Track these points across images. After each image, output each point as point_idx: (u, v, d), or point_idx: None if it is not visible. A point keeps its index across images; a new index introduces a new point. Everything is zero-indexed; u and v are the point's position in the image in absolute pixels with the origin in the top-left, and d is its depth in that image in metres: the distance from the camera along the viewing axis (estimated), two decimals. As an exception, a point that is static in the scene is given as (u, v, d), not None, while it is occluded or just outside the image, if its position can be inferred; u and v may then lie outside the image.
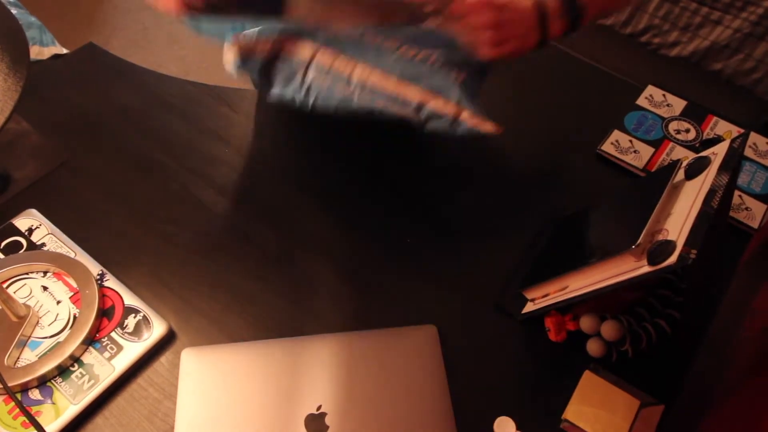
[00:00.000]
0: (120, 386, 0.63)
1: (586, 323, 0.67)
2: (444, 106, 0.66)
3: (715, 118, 0.96)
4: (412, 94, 0.65)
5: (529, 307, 0.70)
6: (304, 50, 0.64)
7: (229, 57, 0.62)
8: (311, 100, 0.66)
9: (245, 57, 0.63)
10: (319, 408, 0.60)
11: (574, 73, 1.05)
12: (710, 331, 0.74)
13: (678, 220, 0.58)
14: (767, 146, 0.93)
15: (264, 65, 0.64)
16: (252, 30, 0.62)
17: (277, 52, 0.64)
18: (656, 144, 0.91)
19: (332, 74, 0.65)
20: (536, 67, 1.01)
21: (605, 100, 0.99)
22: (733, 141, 0.64)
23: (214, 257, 0.74)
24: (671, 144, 0.91)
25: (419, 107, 0.66)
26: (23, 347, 0.64)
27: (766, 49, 1.51)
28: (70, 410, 0.60)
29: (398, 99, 0.65)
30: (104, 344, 0.64)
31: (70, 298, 0.67)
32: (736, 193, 0.86)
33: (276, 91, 0.66)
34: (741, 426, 0.59)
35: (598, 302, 0.69)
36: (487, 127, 0.66)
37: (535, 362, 0.69)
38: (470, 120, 0.66)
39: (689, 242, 0.53)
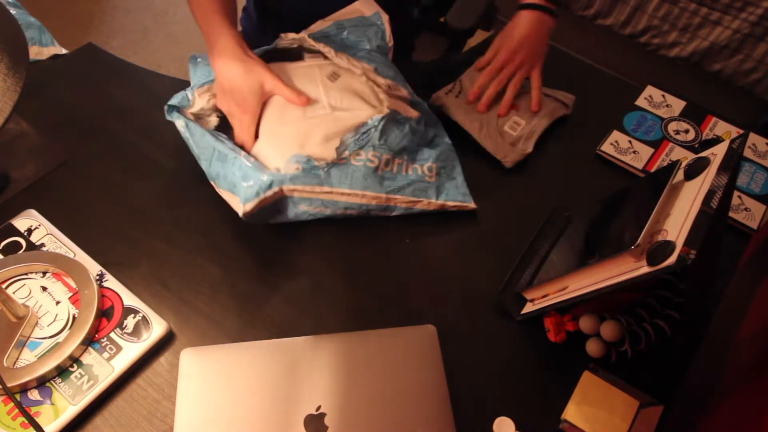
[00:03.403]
0: (119, 387, 0.63)
1: (585, 324, 0.67)
2: (428, 205, 0.78)
3: (714, 119, 0.96)
4: (400, 201, 0.77)
5: (528, 308, 0.70)
6: (302, 191, 0.72)
7: (239, 211, 0.71)
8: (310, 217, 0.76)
9: (253, 212, 0.71)
10: (318, 408, 0.60)
11: (573, 73, 1.05)
12: (710, 331, 0.74)
13: (677, 220, 0.58)
14: (766, 147, 0.93)
15: (268, 208, 0.73)
16: (252, 191, 0.70)
17: (278, 196, 0.72)
18: (655, 144, 0.91)
19: (332, 204, 0.75)
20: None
21: (605, 100, 0.99)
22: (732, 141, 0.64)
23: (214, 257, 0.74)
24: (670, 144, 0.92)
25: (408, 209, 0.78)
26: (22, 348, 0.63)
27: (766, 49, 1.51)
28: (70, 411, 0.60)
29: (389, 207, 0.77)
30: (103, 345, 0.64)
31: (69, 298, 0.67)
32: (736, 193, 0.86)
33: (278, 220, 0.76)
34: (741, 426, 0.59)
35: (597, 303, 0.69)
36: (469, 206, 0.80)
37: (535, 362, 0.69)
38: (452, 206, 0.79)
39: (688, 243, 0.53)
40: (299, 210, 0.74)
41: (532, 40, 0.89)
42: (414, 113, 0.80)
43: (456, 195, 0.79)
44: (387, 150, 0.76)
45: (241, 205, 0.70)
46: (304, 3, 0.92)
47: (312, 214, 0.75)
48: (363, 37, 0.86)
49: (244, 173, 0.71)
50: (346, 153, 0.74)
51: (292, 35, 0.84)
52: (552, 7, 0.90)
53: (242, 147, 0.76)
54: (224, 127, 0.79)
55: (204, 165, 0.77)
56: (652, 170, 0.88)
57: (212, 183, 0.77)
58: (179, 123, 0.78)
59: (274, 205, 0.73)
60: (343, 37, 0.86)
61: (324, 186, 0.72)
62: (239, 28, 1.16)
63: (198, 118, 0.80)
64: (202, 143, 0.76)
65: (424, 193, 0.77)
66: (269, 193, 0.70)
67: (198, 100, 0.80)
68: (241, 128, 0.76)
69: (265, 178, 0.70)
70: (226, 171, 0.73)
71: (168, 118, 0.79)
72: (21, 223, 0.73)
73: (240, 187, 0.71)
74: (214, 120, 0.80)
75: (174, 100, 0.79)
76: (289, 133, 0.75)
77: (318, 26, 0.89)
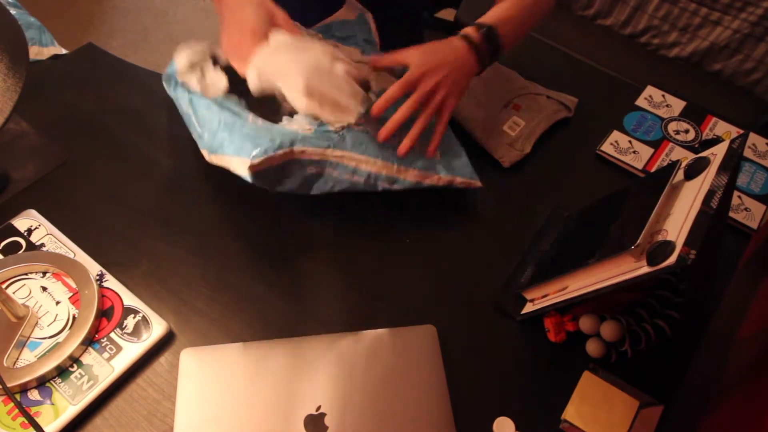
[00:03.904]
0: (119, 387, 0.63)
1: (585, 324, 0.67)
2: (438, 180, 0.77)
3: (714, 119, 0.96)
4: (410, 175, 0.75)
5: (528, 308, 0.70)
6: (313, 153, 0.70)
7: (242, 172, 0.68)
8: (322, 188, 0.73)
9: (258, 172, 0.68)
10: (318, 408, 0.60)
11: (574, 73, 1.05)
12: (710, 331, 0.74)
13: (677, 220, 0.58)
14: (766, 147, 0.93)
15: (275, 170, 0.70)
16: (261, 149, 0.67)
17: (287, 158, 0.69)
18: (655, 144, 0.91)
19: (341, 166, 0.72)
20: (535, 68, 1.01)
21: (605, 100, 0.99)
22: (732, 141, 0.64)
23: (214, 257, 0.74)
24: (670, 144, 0.92)
25: (417, 184, 0.76)
26: (22, 348, 0.63)
27: (766, 49, 1.51)
28: (70, 411, 0.60)
29: (398, 180, 0.75)
30: (103, 345, 0.64)
31: (69, 298, 0.67)
32: (736, 193, 0.86)
33: (285, 186, 0.71)
34: (741, 426, 0.59)
35: (597, 303, 0.69)
36: (476, 184, 0.79)
37: (535, 363, 0.69)
38: (460, 183, 0.78)
39: (688, 243, 0.53)
40: (307, 173, 0.72)
41: (456, 68, 0.73)
42: None
43: (464, 172, 0.78)
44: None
45: (248, 160, 0.67)
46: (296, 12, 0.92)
47: (321, 178, 0.72)
48: (350, 32, 0.86)
49: (253, 135, 0.69)
50: (362, 116, 0.72)
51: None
52: (484, 49, 0.76)
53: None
54: (237, 90, 0.77)
55: (207, 139, 0.73)
56: (652, 170, 0.88)
57: (212, 157, 0.73)
58: (184, 99, 0.76)
59: (281, 169, 0.70)
60: (332, 34, 0.86)
61: (336, 150, 0.70)
62: None
63: (208, 85, 0.78)
64: (207, 116, 0.73)
65: (434, 168, 0.76)
66: (279, 152, 0.67)
67: (181, 57, 0.79)
68: (243, 60, 0.70)
69: (274, 138, 0.68)
70: (233, 137, 0.70)
71: (172, 94, 0.77)
72: (21, 223, 0.73)
73: (247, 148, 0.68)
74: (222, 82, 0.77)
75: (168, 70, 0.79)
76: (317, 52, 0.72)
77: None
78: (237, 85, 0.77)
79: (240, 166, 0.70)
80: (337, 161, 0.72)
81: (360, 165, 0.72)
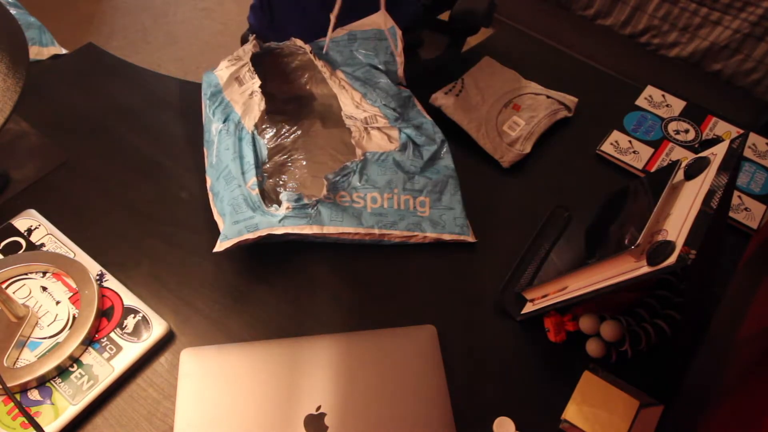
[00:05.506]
0: (119, 387, 0.63)
1: (585, 324, 0.67)
2: (423, 239, 0.76)
3: (714, 119, 0.96)
4: (394, 237, 0.75)
5: (528, 308, 0.70)
6: (292, 231, 0.70)
7: (221, 229, 0.71)
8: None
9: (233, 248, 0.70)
10: (318, 408, 0.60)
11: (573, 73, 1.05)
12: (710, 331, 0.74)
13: (677, 220, 0.58)
14: (766, 147, 0.93)
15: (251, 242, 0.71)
16: (234, 229, 0.70)
17: (264, 236, 0.70)
18: (655, 144, 0.91)
19: (323, 238, 0.73)
20: (535, 68, 1.01)
21: (605, 100, 0.99)
22: (732, 141, 0.64)
23: (214, 257, 0.74)
24: (670, 144, 0.92)
25: (404, 243, 0.76)
26: (22, 348, 0.63)
27: (766, 49, 1.51)
28: (70, 411, 0.60)
29: (383, 241, 0.76)
30: (103, 344, 0.64)
31: (69, 298, 0.67)
32: (736, 193, 0.86)
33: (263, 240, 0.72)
34: (741, 426, 0.59)
35: (597, 303, 0.69)
36: (467, 239, 0.78)
37: (535, 362, 0.69)
38: (450, 240, 0.77)
39: (688, 243, 0.53)
40: (287, 239, 0.74)
41: None
42: (392, 146, 0.78)
43: (453, 227, 0.77)
44: (371, 188, 0.75)
45: (218, 241, 0.70)
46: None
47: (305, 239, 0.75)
48: (372, 51, 0.85)
49: (235, 205, 0.70)
50: (331, 195, 0.73)
51: (300, 42, 0.84)
52: None
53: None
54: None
55: (212, 175, 0.76)
56: (652, 170, 0.88)
57: (210, 194, 0.77)
58: (216, 126, 0.78)
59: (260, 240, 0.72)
60: (353, 48, 0.86)
61: (314, 225, 0.71)
62: (247, 25, 1.15)
63: (246, 96, 0.79)
64: (223, 156, 0.75)
65: (419, 227, 0.76)
66: (252, 235, 0.68)
67: (222, 71, 0.80)
68: None
69: (253, 219, 0.69)
70: (224, 194, 0.73)
71: (207, 112, 0.79)
72: (21, 223, 0.73)
73: (226, 219, 0.71)
74: (256, 84, 0.78)
75: (210, 87, 0.80)
76: None
77: (336, 34, 0.88)
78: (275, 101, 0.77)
79: (220, 227, 0.73)
80: (318, 236, 0.72)
81: (342, 236, 0.73)
